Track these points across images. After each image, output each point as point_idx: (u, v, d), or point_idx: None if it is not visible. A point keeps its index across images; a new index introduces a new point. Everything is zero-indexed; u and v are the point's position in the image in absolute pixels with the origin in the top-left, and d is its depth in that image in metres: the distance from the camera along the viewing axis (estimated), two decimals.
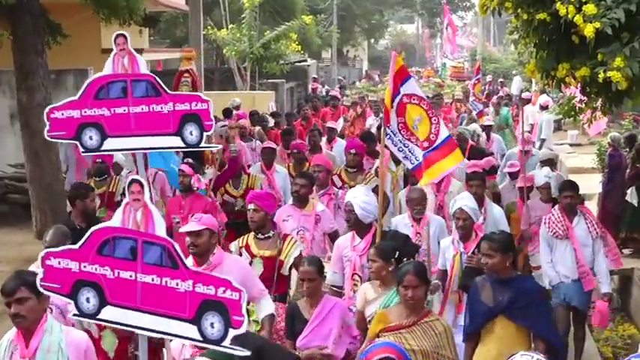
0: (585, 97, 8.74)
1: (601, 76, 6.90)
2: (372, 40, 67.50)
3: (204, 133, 5.85)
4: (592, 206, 14.62)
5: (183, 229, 7.32)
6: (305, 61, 38.52)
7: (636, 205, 12.75)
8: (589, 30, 6.83)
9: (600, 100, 8.22)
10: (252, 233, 8.13)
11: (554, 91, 22.64)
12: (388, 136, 8.27)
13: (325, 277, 7.65)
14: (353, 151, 11.44)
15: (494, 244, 6.95)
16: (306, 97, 30.22)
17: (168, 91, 5.86)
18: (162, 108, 5.82)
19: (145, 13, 16.31)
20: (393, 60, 8.08)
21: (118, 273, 4.95)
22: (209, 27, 28.44)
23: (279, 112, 22.22)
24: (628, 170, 13.04)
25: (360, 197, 8.12)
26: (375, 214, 8.13)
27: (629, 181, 12.94)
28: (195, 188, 10.44)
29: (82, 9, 14.88)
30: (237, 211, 11.28)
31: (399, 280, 6.36)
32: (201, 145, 5.91)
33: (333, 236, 9.23)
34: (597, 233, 9.34)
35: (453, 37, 41.30)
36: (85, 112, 6.00)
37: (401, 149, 8.40)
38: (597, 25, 6.82)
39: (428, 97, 26.20)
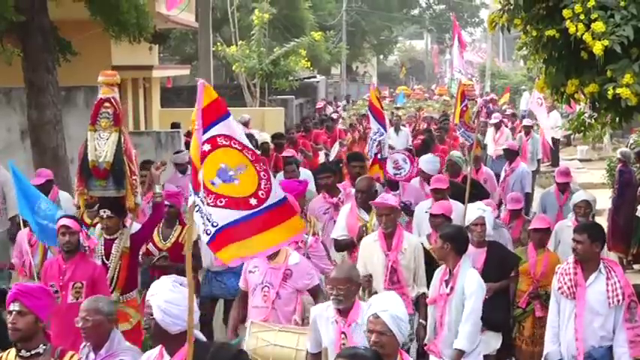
0: (595, 113, 8.75)
1: (610, 92, 6.92)
2: (382, 56, 67.62)
3: None
4: (602, 221, 14.63)
5: None
6: (314, 77, 38.63)
7: None
8: (598, 48, 6.84)
9: (610, 115, 8.21)
10: (14, 348, 5.65)
11: (561, 106, 22.64)
12: (198, 208, 5.47)
13: None
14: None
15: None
16: (312, 116, 29.88)
17: None
18: None
19: (154, 30, 16.37)
20: (200, 92, 5.52)
21: None
22: (218, 44, 28.53)
23: (281, 132, 19.64)
24: None
25: (163, 294, 5.32)
26: (185, 318, 5.21)
27: None
28: (84, 248, 8.34)
29: (92, 26, 14.94)
30: (155, 265, 9.51)
31: None
32: None
33: (314, 294, 7.82)
34: (620, 301, 7.07)
35: (461, 53, 40.84)
36: None
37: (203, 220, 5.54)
38: (606, 42, 6.84)
39: (432, 117, 25.11)
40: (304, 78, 34.83)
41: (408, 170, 11.65)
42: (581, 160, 25.00)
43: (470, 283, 7.51)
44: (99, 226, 9.07)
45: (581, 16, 7.03)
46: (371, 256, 8.46)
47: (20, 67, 13.77)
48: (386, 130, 11.20)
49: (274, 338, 7.19)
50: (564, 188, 11.96)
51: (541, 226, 9.22)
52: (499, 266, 8.63)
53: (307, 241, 8.54)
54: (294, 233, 5.68)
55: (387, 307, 5.33)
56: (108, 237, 8.73)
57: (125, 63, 20.83)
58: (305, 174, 12.79)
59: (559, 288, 7.28)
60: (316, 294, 7.77)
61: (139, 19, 14.11)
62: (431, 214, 9.40)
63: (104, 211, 8.66)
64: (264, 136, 17.48)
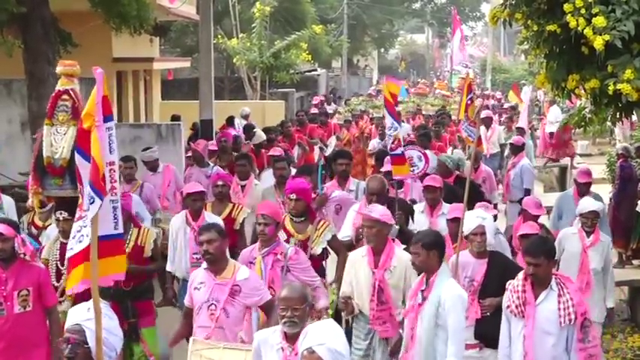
0: (595, 108, 8.73)
1: (611, 88, 6.91)
2: (382, 50, 67.62)
3: None
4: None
5: None
6: (315, 70, 38.61)
7: None
8: (599, 43, 6.83)
9: (610, 110, 8.21)
10: None
11: (562, 101, 22.62)
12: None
13: None
14: (293, 196, 8.66)
15: None
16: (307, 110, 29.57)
17: None
18: None
19: (155, 23, 16.36)
20: (99, 82, 5.27)
21: None
22: (219, 36, 28.53)
23: (269, 127, 18.20)
24: None
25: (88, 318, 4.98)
26: (118, 346, 5.08)
27: None
28: (20, 254, 7.48)
29: (93, 18, 14.94)
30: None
31: None
32: None
33: (267, 309, 7.14)
34: (572, 320, 6.60)
35: (463, 47, 40.31)
36: None
37: None
38: (607, 37, 6.83)
39: (430, 115, 24.44)
40: (305, 71, 34.82)
41: (421, 168, 11.33)
42: (581, 155, 24.95)
43: (449, 294, 6.68)
44: (53, 227, 8.35)
45: (582, 11, 7.02)
46: (357, 273, 7.71)
47: (21, 59, 13.76)
48: (400, 125, 10.22)
49: (220, 356, 6.61)
50: (585, 191, 10.83)
51: (531, 232, 8.49)
52: (502, 279, 7.49)
53: (287, 252, 7.81)
54: (111, 273, 5.18)
55: (324, 340, 4.62)
56: (65, 241, 7.59)
57: (126, 55, 20.84)
58: None
59: (508, 306, 6.80)
60: (270, 310, 7.05)
61: (139, 11, 14.10)
62: (449, 220, 8.70)
63: (60, 213, 7.87)
64: (260, 135, 16.43)
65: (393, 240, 7.84)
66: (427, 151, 12.37)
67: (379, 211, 7.65)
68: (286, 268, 7.74)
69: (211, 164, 13.37)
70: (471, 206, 8.83)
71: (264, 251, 7.75)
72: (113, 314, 5.11)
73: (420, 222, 9.55)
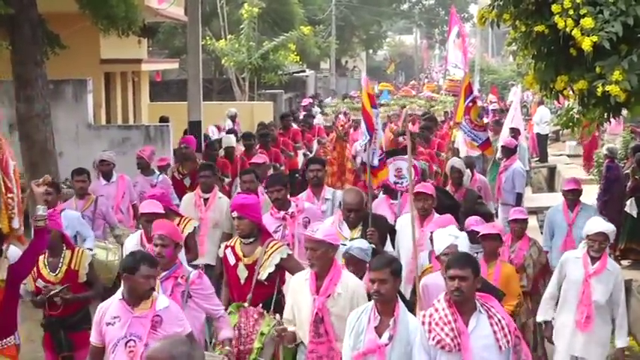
0: (584, 108, 8.76)
1: (599, 89, 6.94)
2: (371, 51, 67.68)
3: None
4: None
5: None
6: (303, 71, 38.58)
7: (635, 216, 12.75)
8: (587, 44, 6.86)
9: (598, 111, 8.23)
10: None
11: (549, 102, 22.68)
12: None
13: None
14: (235, 213, 7.78)
15: None
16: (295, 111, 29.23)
17: None
18: None
19: (143, 24, 16.33)
20: None
21: None
22: (207, 37, 28.49)
23: (250, 132, 17.25)
24: (630, 182, 13.06)
25: None
26: None
27: (630, 192, 12.94)
28: None
29: (81, 19, 14.91)
30: (55, 300, 7.79)
31: None
32: None
33: None
34: (510, 341, 5.71)
35: (461, 48, 39.52)
36: None
37: None
38: (595, 38, 6.87)
39: (415, 114, 23.79)
40: (293, 72, 34.78)
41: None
42: (569, 156, 25.07)
43: (414, 327, 5.92)
44: None
45: (570, 12, 7.05)
46: (299, 298, 6.89)
47: (9, 61, 13.72)
48: (370, 134, 8.95)
49: None
50: (574, 201, 10.13)
51: (490, 232, 8.07)
52: None
53: (189, 276, 7.00)
54: None
55: None
56: None
57: (114, 56, 20.79)
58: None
59: (438, 342, 5.68)
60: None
61: (127, 12, 14.07)
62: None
63: None
64: (229, 140, 15.59)
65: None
66: (416, 162, 11.53)
67: (324, 230, 6.85)
68: (187, 293, 6.95)
69: (157, 172, 12.60)
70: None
71: (163, 275, 6.92)
72: None
73: (405, 235, 8.49)
